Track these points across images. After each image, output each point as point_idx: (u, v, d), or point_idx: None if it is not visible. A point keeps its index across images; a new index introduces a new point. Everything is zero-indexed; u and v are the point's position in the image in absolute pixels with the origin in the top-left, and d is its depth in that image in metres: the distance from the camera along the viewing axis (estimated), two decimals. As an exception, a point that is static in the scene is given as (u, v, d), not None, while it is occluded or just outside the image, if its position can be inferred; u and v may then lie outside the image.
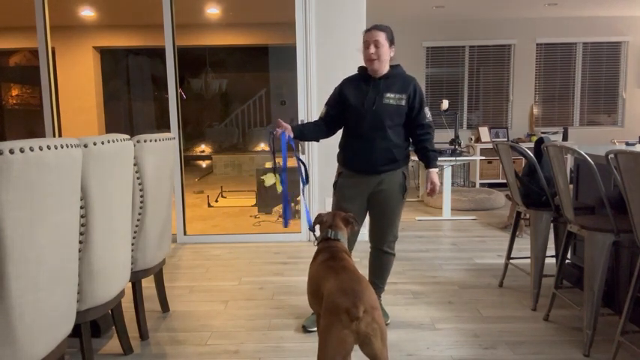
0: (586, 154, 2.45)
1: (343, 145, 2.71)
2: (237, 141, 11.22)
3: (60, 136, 6.05)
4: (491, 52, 8.10)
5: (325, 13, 4.43)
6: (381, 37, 2.52)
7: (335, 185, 2.73)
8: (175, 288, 3.45)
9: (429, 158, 2.67)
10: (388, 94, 2.57)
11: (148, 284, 3.50)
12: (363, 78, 2.64)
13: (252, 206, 6.34)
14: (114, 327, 2.52)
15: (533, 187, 3.04)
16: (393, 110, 2.56)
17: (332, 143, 3.11)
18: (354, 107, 2.58)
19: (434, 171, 2.66)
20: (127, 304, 3.10)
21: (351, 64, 4.43)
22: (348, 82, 2.69)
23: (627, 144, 3.72)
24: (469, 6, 7.09)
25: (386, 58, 2.57)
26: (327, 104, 2.73)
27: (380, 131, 2.56)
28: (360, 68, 2.69)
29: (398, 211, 2.68)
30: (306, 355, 2.44)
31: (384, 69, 2.61)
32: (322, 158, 4.55)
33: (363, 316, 1.52)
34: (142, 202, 2.53)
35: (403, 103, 2.58)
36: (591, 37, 8.00)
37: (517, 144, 3.27)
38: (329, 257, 1.88)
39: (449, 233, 4.92)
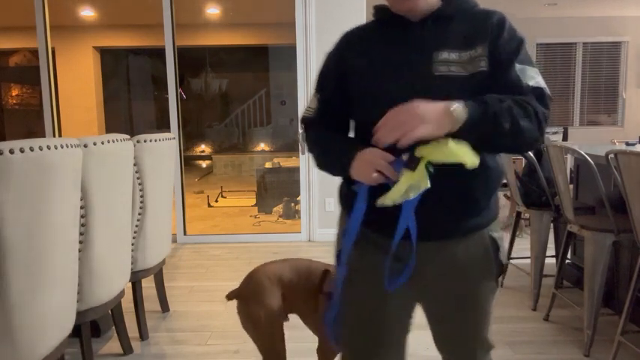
0: (586, 154, 2.45)
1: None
2: (237, 141, 11.21)
3: (60, 136, 6.04)
4: (491, 52, 8.09)
5: (325, 13, 4.43)
6: None
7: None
8: (175, 288, 3.45)
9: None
10: (445, 54, 1.16)
11: (148, 284, 3.49)
12: (389, 25, 1.24)
13: (252, 206, 6.34)
14: (114, 327, 2.52)
15: (533, 187, 3.04)
16: (459, 86, 1.15)
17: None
18: (374, 93, 1.21)
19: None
20: (127, 304, 3.09)
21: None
22: (353, 40, 1.30)
23: (627, 144, 3.71)
24: (469, 6, 7.09)
25: None
26: (319, 90, 1.34)
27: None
28: (378, 8, 1.27)
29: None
30: (306, 355, 2.43)
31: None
32: (322, 158, 4.54)
33: None
34: (141, 202, 2.53)
35: (483, 64, 1.16)
36: (591, 37, 8.00)
37: (517, 144, 3.26)
38: None
39: (449, 233, 4.91)
